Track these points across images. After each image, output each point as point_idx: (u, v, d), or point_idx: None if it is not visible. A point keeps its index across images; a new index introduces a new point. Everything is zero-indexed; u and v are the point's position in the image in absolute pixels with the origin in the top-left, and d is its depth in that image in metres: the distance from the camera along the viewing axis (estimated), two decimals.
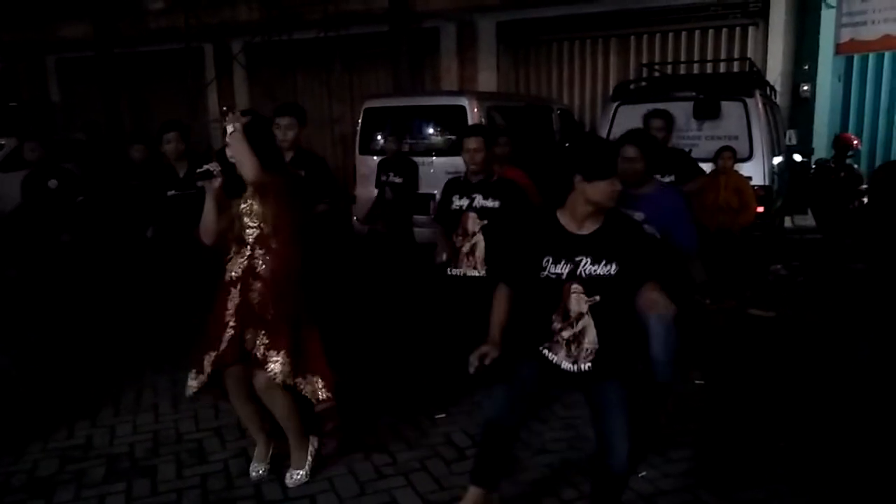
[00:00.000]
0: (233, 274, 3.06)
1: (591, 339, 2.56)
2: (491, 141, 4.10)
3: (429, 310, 4.74)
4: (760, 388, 4.24)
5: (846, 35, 9.66)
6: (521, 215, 3.31)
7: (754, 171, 6.52)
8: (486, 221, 3.95)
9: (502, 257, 3.00)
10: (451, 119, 7.24)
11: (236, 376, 3.09)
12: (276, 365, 2.97)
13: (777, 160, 7.27)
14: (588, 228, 2.55)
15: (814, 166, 8.96)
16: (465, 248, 4.00)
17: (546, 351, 2.62)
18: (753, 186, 6.28)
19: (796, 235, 8.70)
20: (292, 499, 3.14)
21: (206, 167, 2.97)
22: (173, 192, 4.65)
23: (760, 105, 6.74)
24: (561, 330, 2.58)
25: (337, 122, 13.16)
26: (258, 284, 3.03)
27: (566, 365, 2.59)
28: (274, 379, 2.97)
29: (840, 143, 8.58)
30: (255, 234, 3.03)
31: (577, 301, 2.54)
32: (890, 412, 3.56)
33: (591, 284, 2.52)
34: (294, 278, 3.04)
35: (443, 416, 3.90)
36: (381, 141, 7.36)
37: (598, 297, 2.52)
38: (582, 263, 2.52)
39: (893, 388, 3.61)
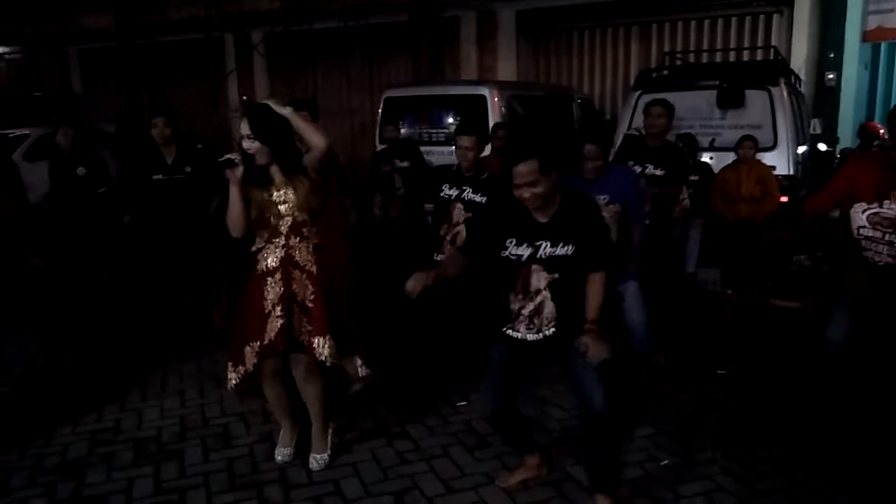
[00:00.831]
0: (269, 264, 3.07)
1: (549, 310, 2.73)
2: (484, 139, 4.28)
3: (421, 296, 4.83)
4: (783, 378, 4.22)
5: (873, 22, 9.49)
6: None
7: (778, 161, 6.46)
8: (470, 214, 4.10)
9: (470, 230, 3.34)
10: (471, 108, 7.24)
11: (274, 363, 3.14)
12: (325, 349, 3.05)
13: (801, 149, 7.19)
14: (545, 216, 2.69)
15: (839, 156, 8.84)
16: (448, 237, 4.16)
17: (510, 331, 2.79)
18: (777, 176, 6.22)
19: (820, 226, 8.59)
20: (317, 483, 3.18)
21: (227, 156, 2.96)
22: (160, 176, 4.70)
23: (785, 94, 6.66)
24: (521, 308, 2.75)
25: (356, 111, 13.19)
26: (297, 273, 3.07)
27: (531, 336, 2.76)
28: (325, 362, 3.06)
29: (866, 133, 8.45)
30: (289, 223, 3.06)
31: (538, 278, 2.72)
32: None
33: (551, 264, 2.70)
34: (332, 264, 3.09)
35: (464, 403, 3.93)
36: (384, 132, 7.38)
37: (556, 275, 2.70)
38: (542, 247, 2.69)
39: None
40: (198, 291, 5.01)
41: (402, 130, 6.69)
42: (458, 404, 3.93)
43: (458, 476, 3.22)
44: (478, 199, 4.09)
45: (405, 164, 6.47)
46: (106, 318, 5.45)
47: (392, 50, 12.79)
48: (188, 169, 4.72)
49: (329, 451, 3.33)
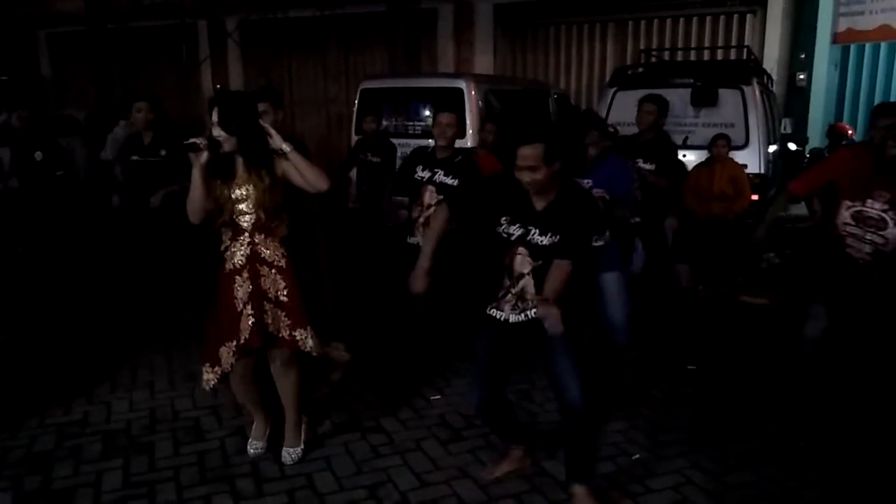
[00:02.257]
0: (235, 262, 3.04)
1: (532, 294, 2.77)
2: (462, 124, 4.24)
3: (389, 278, 4.85)
4: (752, 374, 4.29)
5: (844, 24, 9.66)
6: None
7: (750, 160, 6.54)
8: (441, 196, 4.10)
9: (465, 192, 3.41)
10: (448, 101, 7.18)
11: (247, 361, 3.12)
12: (308, 341, 3.06)
13: (772, 149, 7.29)
14: (541, 203, 2.73)
15: (808, 155, 9.00)
16: (421, 219, 4.17)
17: (494, 311, 2.84)
18: (748, 174, 6.30)
19: (789, 224, 8.74)
20: (289, 476, 3.17)
21: (192, 140, 2.88)
22: (136, 157, 4.70)
23: (757, 93, 6.75)
24: (506, 292, 2.80)
25: (332, 102, 13.08)
26: (265, 269, 3.04)
27: (514, 318, 2.81)
28: (310, 353, 3.08)
29: (834, 133, 8.62)
30: (252, 221, 3.01)
31: (522, 262, 2.77)
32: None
33: (536, 251, 2.74)
34: (307, 257, 3.11)
35: (438, 397, 3.94)
36: (363, 123, 7.32)
37: (540, 262, 2.74)
38: (532, 232, 2.74)
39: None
40: (171, 282, 4.95)
41: (373, 124, 6.58)
42: (432, 398, 3.94)
43: (431, 469, 3.23)
44: (449, 181, 4.11)
45: (376, 159, 6.41)
46: (75, 307, 5.35)
47: (368, 41, 12.70)
48: (163, 152, 4.69)
49: (302, 445, 3.32)
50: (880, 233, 3.38)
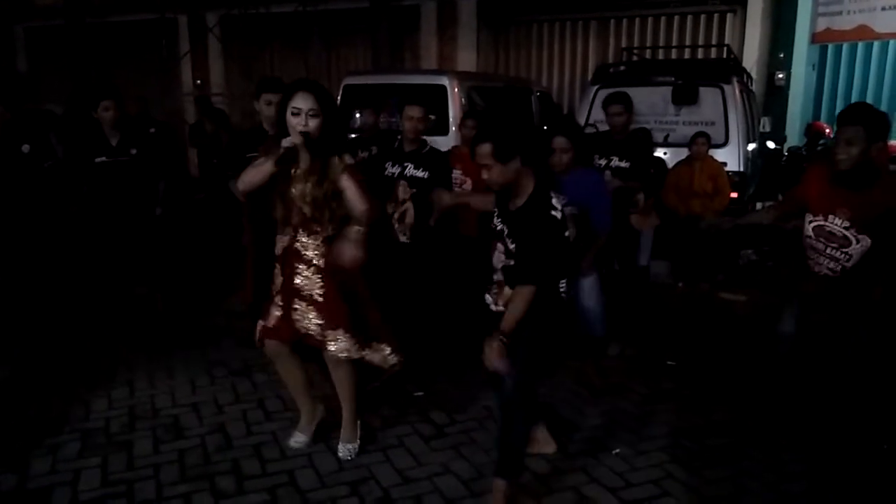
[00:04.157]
0: (278, 251, 3.12)
1: (506, 293, 2.82)
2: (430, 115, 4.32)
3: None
4: (731, 369, 4.34)
5: (822, 24, 9.76)
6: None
7: (729, 157, 6.61)
8: (414, 190, 4.12)
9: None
10: (431, 98, 7.19)
11: (276, 345, 3.15)
12: (339, 343, 3.01)
13: (751, 147, 7.37)
14: (514, 206, 2.76)
15: (786, 154, 9.10)
16: (396, 215, 4.17)
17: (487, 295, 2.95)
18: (728, 172, 6.36)
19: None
20: (271, 473, 3.15)
21: (289, 142, 2.85)
22: (103, 158, 4.62)
23: (737, 92, 6.81)
24: (493, 281, 2.91)
25: None
26: (303, 267, 3.02)
27: (493, 307, 2.90)
28: (340, 357, 3.03)
29: (812, 132, 8.72)
30: (299, 217, 2.98)
31: (498, 257, 2.85)
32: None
33: (508, 252, 2.79)
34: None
35: (421, 394, 3.94)
36: (360, 118, 7.26)
37: (511, 262, 2.78)
38: (505, 231, 2.80)
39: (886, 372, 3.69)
40: (147, 280, 4.91)
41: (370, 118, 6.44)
42: (415, 394, 3.94)
43: (413, 466, 3.23)
44: (419, 174, 4.12)
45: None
46: (53, 305, 5.28)
47: (351, 37, 12.64)
48: (133, 151, 4.63)
49: (358, 441, 3.31)
50: (843, 250, 3.25)
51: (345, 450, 3.28)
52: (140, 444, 3.41)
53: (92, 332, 4.82)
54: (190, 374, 4.20)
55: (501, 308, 2.82)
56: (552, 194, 2.74)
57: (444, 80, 7.21)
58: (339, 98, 7.85)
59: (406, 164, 4.16)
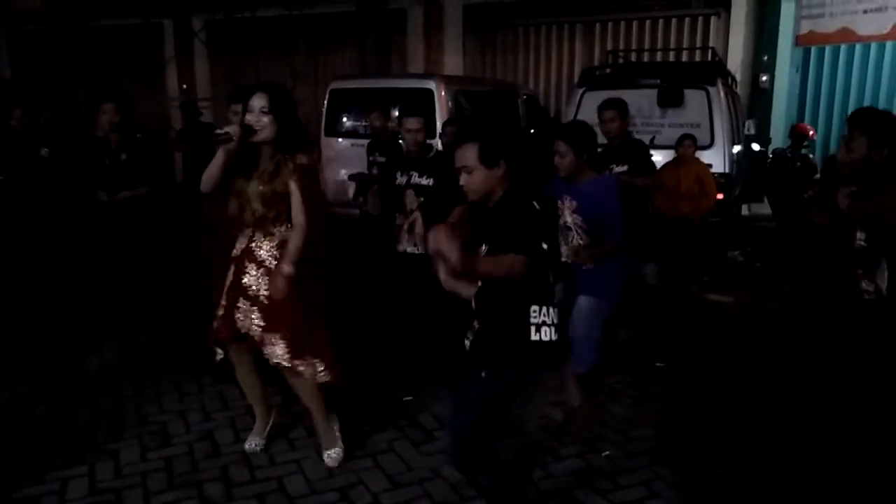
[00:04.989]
0: (234, 252, 3.09)
1: (474, 317, 2.46)
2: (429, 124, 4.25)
3: (379, 287, 4.83)
4: (719, 370, 4.36)
5: (805, 27, 9.85)
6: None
7: (714, 159, 6.66)
8: (422, 199, 4.07)
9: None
10: (418, 102, 7.20)
11: (237, 349, 3.14)
12: (274, 348, 2.99)
13: (736, 149, 7.43)
14: (490, 203, 2.45)
15: (771, 156, 9.16)
16: (406, 226, 4.13)
17: (466, 340, 2.51)
18: (714, 174, 6.41)
19: (753, 223, 8.92)
20: (260, 480, 3.14)
21: (226, 128, 2.88)
22: (107, 161, 4.64)
23: (722, 94, 6.87)
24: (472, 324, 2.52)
25: (301, 103, 12.87)
26: (253, 267, 3.02)
27: (466, 341, 2.49)
28: (272, 362, 3.02)
29: (796, 134, 8.79)
30: (255, 215, 2.98)
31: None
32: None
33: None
34: (307, 267, 2.99)
35: (410, 398, 3.93)
36: (346, 122, 7.23)
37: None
38: (482, 237, 2.46)
39: None
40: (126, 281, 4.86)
41: (349, 122, 6.38)
42: (404, 399, 3.93)
43: (403, 471, 3.23)
44: (424, 181, 4.09)
45: (382, 159, 6.19)
46: (42, 309, 5.23)
47: (338, 41, 12.62)
48: (124, 157, 4.61)
49: (340, 445, 3.26)
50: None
51: (328, 457, 3.24)
52: (127, 451, 3.38)
53: (79, 336, 4.77)
54: (177, 380, 4.17)
55: (467, 345, 2.47)
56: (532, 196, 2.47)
57: (431, 84, 7.22)
58: (325, 103, 7.85)
59: (412, 173, 4.13)
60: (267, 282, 2.99)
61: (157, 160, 5.13)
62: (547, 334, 2.34)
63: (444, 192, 3.90)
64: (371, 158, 6.19)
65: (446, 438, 2.67)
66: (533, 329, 2.33)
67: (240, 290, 3.03)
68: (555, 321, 2.37)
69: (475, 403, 2.42)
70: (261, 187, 2.94)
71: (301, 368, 3.06)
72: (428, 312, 4.04)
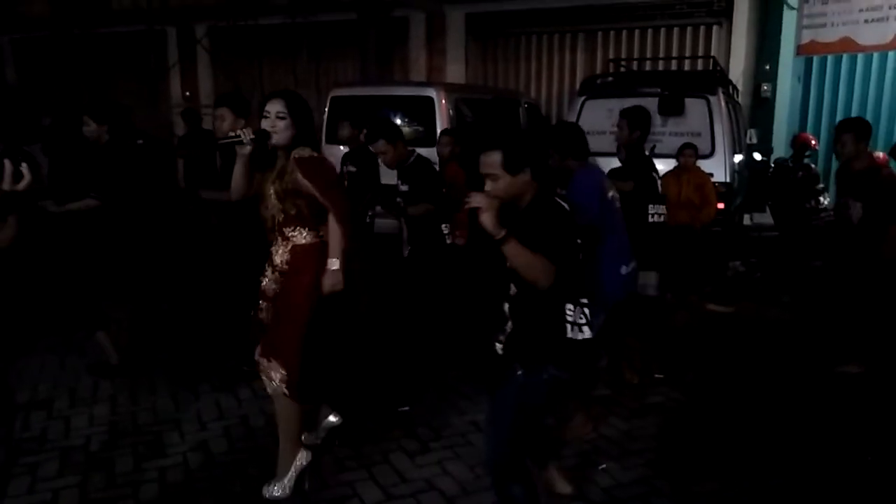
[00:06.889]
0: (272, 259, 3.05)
1: (508, 325, 2.45)
2: (393, 137, 4.25)
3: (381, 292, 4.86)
4: (719, 381, 4.33)
5: (807, 36, 9.85)
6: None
7: (716, 168, 6.63)
8: (401, 201, 4.31)
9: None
10: (419, 110, 7.21)
11: None
12: (272, 372, 2.94)
13: (738, 158, 7.40)
14: (520, 206, 2.42)
15: (773, 165, 9.14)
16: (404, 235, 4.46)
17: (497, 343, 2.53)
18: (714, 183, 6.39)
19: (755, 232, 8.89)
20: (254, 491, 3.11)
21: (238, 132, 2.86)
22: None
23: (723, 103, 6.85)
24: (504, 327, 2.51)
25: None
26: (269, 270, 3.00)
27: (497, 344, 2.49)
28: (272, 388, 2.98)
29: (798, 143, 8.76)
30: (272, 220, 2.95)
31: (509, 286, 2.48)
32: None
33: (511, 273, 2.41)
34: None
35: (406, 409, 3.91)
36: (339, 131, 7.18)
37: (514, 288, 2.42)
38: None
39: None
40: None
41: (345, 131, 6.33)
42: (400, 409, 3.90)
43: (397, 482, 3.20)
44: (403, 188, 4.29)
45: (352, 168, 6.22)
46: (35, 316, 5.22)
47: (340, 49, 12.65)
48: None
49: (286, 482, 3.02)
50: None
51: (267, 489, 3.02)
52: (121, 461, 3.36)
53: (75, 347, 4.76)
54: (173, 389, 4.16)
55: (500, 348, 2.49)
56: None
57: (432, 92, 7.22)
58: (326, 110, 7.85)
59: (399, 181, 4.32)
60: (279, 283, 2.97)
61: (159, 167, 5.12)
62: (582, 332, 2.36)
63: (417, 198, 4.20)
64: (344, 168, 6.16)
65: (483, 446, 2.65)
66: (569, 327, 2.35)
67: (262, 294, 3.04)
68: (588, 319, 2.39)
69: (511, 406, 2.41)
70: (273, 188, 2.91)
71: (264, 367, 2.95)
72: (414, 314, 4.12)
